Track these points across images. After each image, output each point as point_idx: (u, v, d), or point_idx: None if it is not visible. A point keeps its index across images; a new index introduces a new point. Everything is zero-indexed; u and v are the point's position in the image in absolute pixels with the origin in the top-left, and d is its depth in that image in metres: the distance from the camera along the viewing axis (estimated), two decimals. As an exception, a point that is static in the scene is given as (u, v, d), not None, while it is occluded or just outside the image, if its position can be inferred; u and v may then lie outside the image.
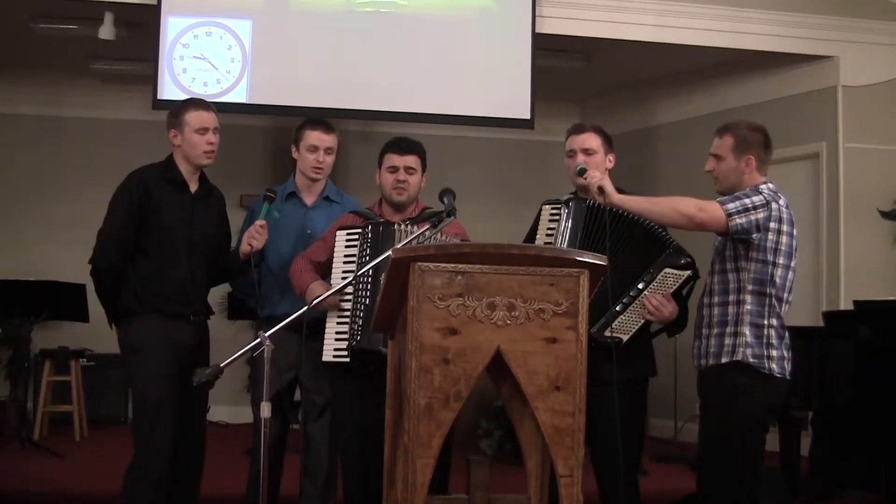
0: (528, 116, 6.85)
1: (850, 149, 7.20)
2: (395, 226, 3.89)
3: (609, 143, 4.01)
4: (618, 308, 3.72)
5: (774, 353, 3.68)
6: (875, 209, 7.12)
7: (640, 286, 3.74)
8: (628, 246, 3.75)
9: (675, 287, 3.77)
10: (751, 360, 3.66)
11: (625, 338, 3.73)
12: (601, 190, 3.60)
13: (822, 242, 7.25)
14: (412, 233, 3.81)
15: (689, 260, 3.78)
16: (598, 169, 3.83)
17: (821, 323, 6.01)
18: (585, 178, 3.70)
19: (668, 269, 3.76)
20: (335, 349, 3.87)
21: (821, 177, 7.32)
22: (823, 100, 7.32)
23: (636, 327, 3.75)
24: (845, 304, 6.80)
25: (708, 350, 3.78)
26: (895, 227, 7.19)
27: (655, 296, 3.73)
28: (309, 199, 4.42)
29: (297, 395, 4.46)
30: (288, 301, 4.20)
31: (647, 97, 8.73)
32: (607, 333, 3.67)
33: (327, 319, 3.91)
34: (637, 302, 3.74)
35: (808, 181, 7.40)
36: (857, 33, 7.22)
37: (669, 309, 3.75)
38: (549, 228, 3.90)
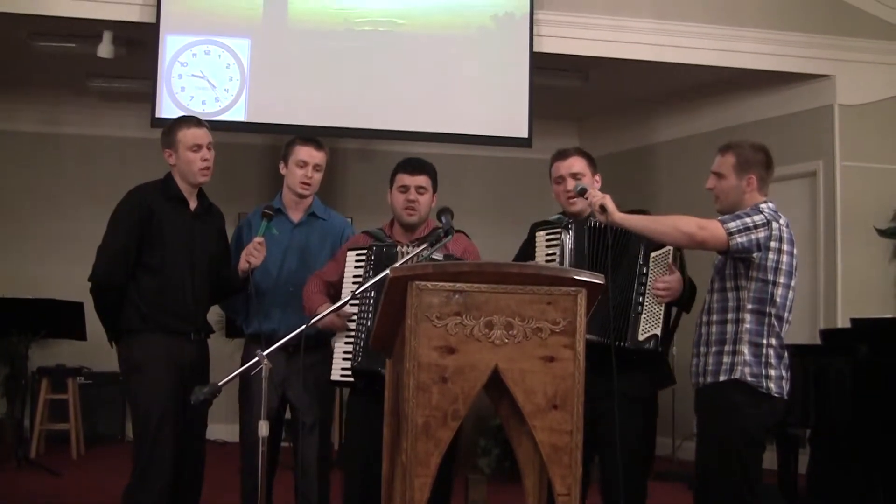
0: (526, 135, 6.86)
1: (846, 167, 7.22)
2: (398, 247, 3.91)
3: (594, 164, 4.07)
4: (634, 313, 3.76)
5: (773, 372, 3.67)
6: (872, 227, 7.14)
7: (642, 281, 3.79)
8: (627, 261, 3.79)
9: (666, 263, 3.82)
10: (749, 378, 3.65)
11: (658, 331, 3.78)
12: (603, 209, 3.62)
13: (820, 260, 7.26)
14: (415, 253, 3.82)
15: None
16: None
17: (818, 341, 6.01)
18: (587, 198, 3.72)
19: (652, 254, 3.81)
20: (342, 369, 3.89)
21: (818, 195, 7.34)
22: (820, 118, 7.34)
23: (660, 316, 3.79)
24: (842, 322, 6.80)
25: (706, 368, 3.77)
26: (892, 245, 7.21)
27: (659, 278, 3.78)
28: (295, 216, 4.40)
29: (287, 413, 4.43)
30: (275, 317, 4.23)
31: (645, 115, 8.74)
32: (641, 338, 3.73)
33: (335, 339, 3.94)
34: (648, 296, 3.78)
35: (805, 199, 7.41)
36: (853, 52, 7.26)
37: (676, 278, 3.81)
38: (548, 254, 3.93)
